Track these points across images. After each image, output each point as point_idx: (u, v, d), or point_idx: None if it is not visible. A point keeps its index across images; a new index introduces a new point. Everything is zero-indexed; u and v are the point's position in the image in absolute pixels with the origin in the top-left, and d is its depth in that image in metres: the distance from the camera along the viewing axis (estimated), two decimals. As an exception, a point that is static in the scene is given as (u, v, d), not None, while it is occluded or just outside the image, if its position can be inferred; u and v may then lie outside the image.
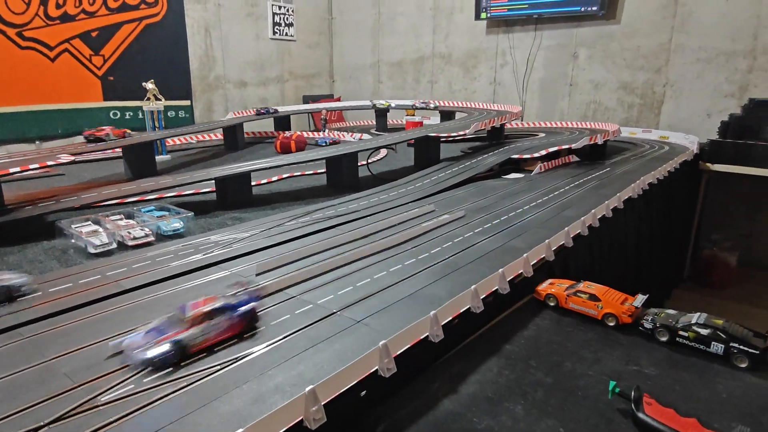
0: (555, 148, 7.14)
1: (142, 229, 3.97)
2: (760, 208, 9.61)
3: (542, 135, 9.52)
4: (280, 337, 2.43)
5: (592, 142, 7.44)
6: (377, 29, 14.97)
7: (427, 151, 7.02)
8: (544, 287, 3.22)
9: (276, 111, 10.76)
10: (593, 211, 4.39)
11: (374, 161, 7.61)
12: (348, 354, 2.26)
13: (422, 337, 2.45)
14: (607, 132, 7.80)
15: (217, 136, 10.36)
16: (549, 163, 7.02)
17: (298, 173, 6.72)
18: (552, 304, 3.12)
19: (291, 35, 14.78)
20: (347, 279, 3.17)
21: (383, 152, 8.50)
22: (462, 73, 13.55)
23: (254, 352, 2.30)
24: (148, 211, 4.41)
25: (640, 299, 2.95)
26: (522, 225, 4.34)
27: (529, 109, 12.37)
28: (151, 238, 3.96)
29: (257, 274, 3.23)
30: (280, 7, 14.20)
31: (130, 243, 3.85)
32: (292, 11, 14.55)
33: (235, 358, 2.24)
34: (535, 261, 3.45)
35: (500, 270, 3.06)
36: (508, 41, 12.51)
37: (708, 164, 8.88)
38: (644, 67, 10.86)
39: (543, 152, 6.96)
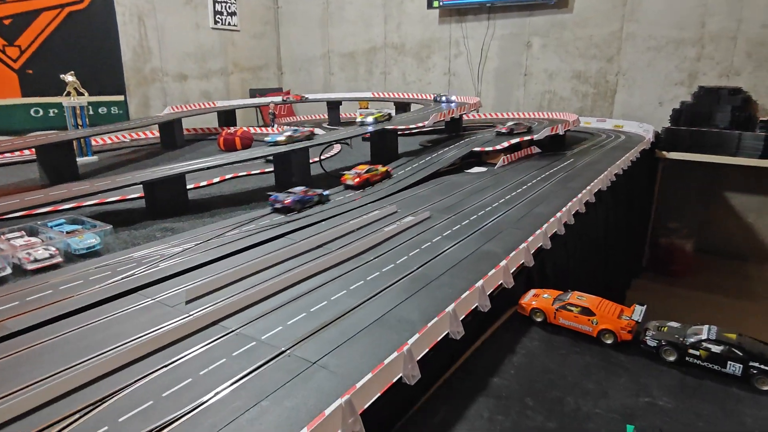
0: (516, 140, 6.83)
1: (46, 249, 3.27)
2: (715, 196, 9.73)
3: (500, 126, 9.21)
4: (211, 394, 1.87)
5: (553, 133, 7.18)
6: (326, 19, 14.32)
7: (384, 146, 6.54)
8: (528, 300, 2.80)
9: (450, 100, 10.05)
10: (568, 206, 4.03)
11: (328, 157, 7.05)
12: (301, 415, 1.73)
13: (395, 380, 1.96)
14: (567, 122, 7.57)
15: (154, 133, 9.47)
16: (511, 156, 6.69)
17: (243, 173, 6.07)
18: (539, 319, 2.70)
19: (234, 25, 13.87)
20: (299, 303, 2.63)
21: (337, 148, 7.95)
22: (416, 63, 13.13)
23: (173, 421, 1.73)
24: (56, 226, 3.68)
25: (638, 311, 2.58)
26: (493, 226, 3.92)
27: (485, 100, 12.10)
28: (59, 260, 3.26)
29: (187, 302, 2.63)
30: (221, -5, 13.29)
31: (30, 267, 3.14)
32: (235, -1, 13.65)
33: (148, 432, 1.67)
34: (514, 268, 3.04)
35: (479, 283, 2.61)
36: (461, 31, 12.19)
37: (664, 152, 8.87)
38: (597, 56, 10.80)
39: (505, 144, 6.62)
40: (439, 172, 5.84)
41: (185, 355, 2.14)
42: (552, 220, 3.68)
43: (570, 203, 4.09)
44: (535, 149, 7.30)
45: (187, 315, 2.47)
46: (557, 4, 10.79)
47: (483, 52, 12.03)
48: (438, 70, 12.84)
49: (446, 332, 2.31)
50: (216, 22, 13.35)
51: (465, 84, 12.45)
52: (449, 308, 2.32)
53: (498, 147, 6.50)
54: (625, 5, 10.24)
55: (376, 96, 11.85)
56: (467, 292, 2.51)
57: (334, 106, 11.48)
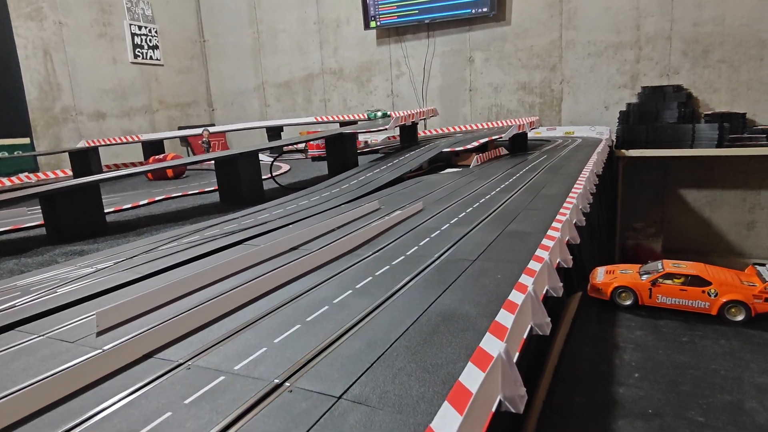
0: (486, 139, 6.27)
1: None
2: (672, 193, 9.70)
3: (459, 135, 8.75)
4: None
5: (520, 131, 6.72)
6: (258, 49, 13.63)
7: (343, 154, 5.73)
8: (604, 279, 2.02)
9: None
10: (586, 176, 3.38)
11: (278, 174, 6.14)
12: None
13: (494, 408, 1.08)
14: (532, 121, 7.18)
15: (66, 172, 8.15)
16: (483, 156, 6.10)
17: (178, 194, 5.02)
18: (627, 302, 1.91)
19: (157, 59, 12.84)
20: (286, 312, 1.70)
21: (285, 167, 7.08)
22: (356, 88, 12.64)
23: None
24: None
25: (765, 271, 1.86)
26: (504, 209, 3.18)
27: (431, 119, 11.74)
28: None
29: (99, 333, 1.62)
30: (140, 27, 12.28)
31: None
32: (156, 32, 12.69)
33: None
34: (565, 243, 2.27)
35: (546, 256, 1.81)
36: (401, 51, 11.90)
37: (623, 151, 8.71)
38: (540, 66, 10.76)
39: (475, 143, 6.03)
40: (407, 175, 5.10)
41: (91, 416, 1.15)
42: (580, 191, 2.99)
43: (585, 177, 3.44)
44: (503, 150, 6.80)
45: (98, 351, 1.47)
46: (496, 17, 10.74)
47: (425, 70, 11.75)
48: (380, 93, 12.40)
49: (529, 326, 1.47)
50: (136, 56, 12.28)
51: (409, 104, 12.07)
52: (530, 288, 1.49)
53: (469, 146, 5.90)
54: (562, 14, 10.33)
55: (319, 120, 11.14)
56: (538, 267, 1.70)
57: (275, 132, 10.63)
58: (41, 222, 3.57)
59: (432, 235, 2.60)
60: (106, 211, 3.72)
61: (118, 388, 1.27)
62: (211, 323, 1.63)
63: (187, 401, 1.17)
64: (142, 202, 4.53)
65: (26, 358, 1.48)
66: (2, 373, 1.41)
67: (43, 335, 1.64)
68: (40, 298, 2.00)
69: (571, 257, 2.11)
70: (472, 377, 1.14)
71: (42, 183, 7.65)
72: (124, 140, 9.49)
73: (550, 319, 1.53)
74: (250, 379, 1.25)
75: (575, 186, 3.49)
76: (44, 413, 1.19)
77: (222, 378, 1.26)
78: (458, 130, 10.48)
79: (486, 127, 10.02)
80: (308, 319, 1.61)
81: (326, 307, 1.69)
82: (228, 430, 1.05)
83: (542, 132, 10.52)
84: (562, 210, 2.74)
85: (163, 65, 13.01)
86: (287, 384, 1.21)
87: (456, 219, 2.96)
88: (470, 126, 10.56)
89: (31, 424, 1.15)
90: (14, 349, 1.56)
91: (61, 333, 1.65)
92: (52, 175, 8.07)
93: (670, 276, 1.90)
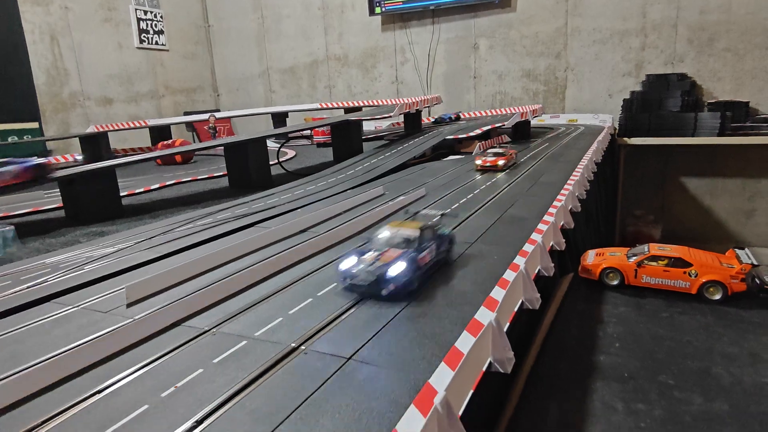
0: (488, 127, 6.38)
1: None
2: (673, 181, 9.76)
3: (462, 122, 8.84)
4: (188, 426, 1.06)
5: (523, 119, 6.81)
6: (262, 34, 13.63)
7: (348, 141, 5.84)
8: (594, 261, 2.16)
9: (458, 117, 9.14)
10: (584, 165, 3.50)
11: (284, 160, 6.27)
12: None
13: (484, 368, 1.24)
14: (536, 109, 7.26)
15: (75, 156, 8.31)
16: (485, 143, 6.21)
17: (188, 179, 5.17)
18: (614, 282, 2.06)
19: (162, 44, 12.87)
20: (298, 288, 1.85)
21: (291, 153, 7.21)
22: (361, 74, 12.66)
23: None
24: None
25: (745, 255, 2.00)
26: (503, 196, 3.31)
27: (435, 106, 11.79)
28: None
29: (128, 304, 1.78)
30: (145, 12, 12.31)
31: None
32: (161, 17, 12.70)
33: None
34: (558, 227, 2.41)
35: (539, 239, 1.95)
36: (406, 37, 11.89)
37: (625, 139, 8.77)
38: (544, 53, 10.75)
39: (478, 131, 6.14)
40: (410, 162, 5.22)
41: (134, 372, 1.31)
42: (577, 178, 3.11)
43: (584, 165, 3.56)
44: (506, 138, 6.90)
45: (129, 320, 1.63)
46: (501, 4, 10.70)
47: (430, 57, 11.75)
48: (385, 80, 12.43)
49: (520, 301, 1.62)
50: (141, 41, 12.32)
51: (414, 91, 12.09)
52: (522, 268, 1.63)
53: (472, 134, 6.01)
54: (568, 0, 10.29)
55: (324, 106, 11.22)
56: (531, 249, 1.84)
57: (280, 119, 10.73)
58: (60, 204, 3.73)
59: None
60: (121, 194, 3.87)
61: (149, 353, 1.43)
62: (230, 297, 1.78)
63: (215, 360, 1.33)
64: (153, 186, 4.69)
65: (66, 326, 1.64)
66: (46, 338, 1.57)
67: (78, 306, 1.80)
68: (70, 274, 2.16)
69: (564, 240, 2.25)
70: (465, 342, 1.29)
71: (59, 167, 7.81)
72: (132, 125, 9.61)
73: (540, 295, 1.67)
74: (270, 343, 1.41)
75: (573, 174, 3.61)
76: (79, 375, 1.35)
77: (245, 342, 1.42)
78: (462, 117, 10.54)
79: (489, 114, 10.07)
80: (319, 294, 1.76)
81: (334, 284, 1.84)
82: (252, 384, 1.21)
83: (546, 119, 10.56)
84: (558, 197, 2.87)
85: (168, 50, 13.04)
86: (302, 347, 1.37)
87: (456, 205, 3.09)
88: (474, 113, 10.60)
89: (71, 383, 1.31)
90: (53, 318, 1.72)
91: (94, 304, 1.81)
92: (62, 160, 8.22)
93: (654, 258, 2.04)
